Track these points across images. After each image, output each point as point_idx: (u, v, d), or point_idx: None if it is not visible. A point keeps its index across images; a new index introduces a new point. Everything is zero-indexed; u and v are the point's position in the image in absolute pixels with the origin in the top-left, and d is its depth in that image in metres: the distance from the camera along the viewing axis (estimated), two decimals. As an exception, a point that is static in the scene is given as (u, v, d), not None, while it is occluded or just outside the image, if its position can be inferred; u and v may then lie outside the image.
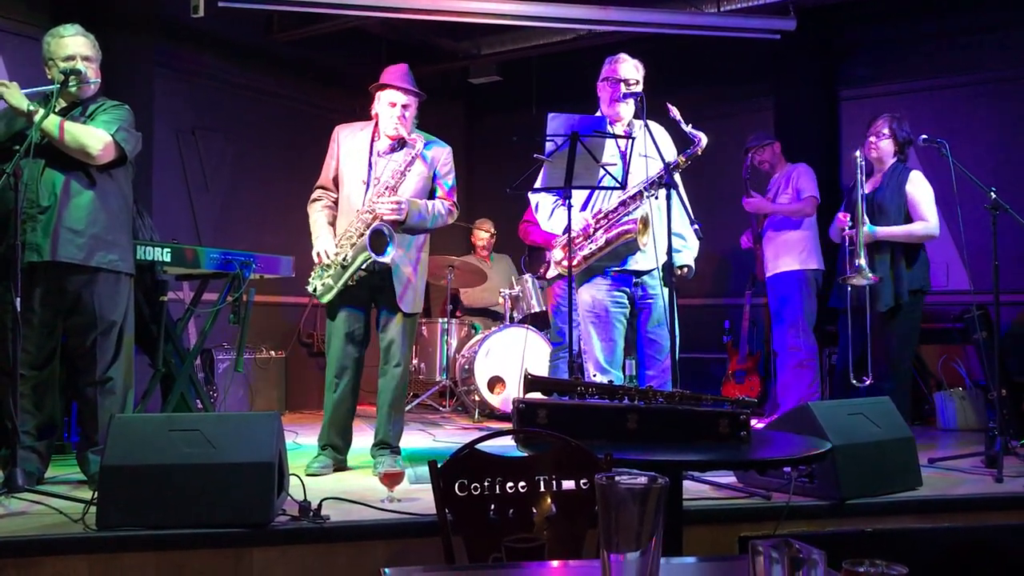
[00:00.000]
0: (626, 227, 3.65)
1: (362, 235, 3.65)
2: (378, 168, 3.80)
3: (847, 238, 4.44)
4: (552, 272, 5.21)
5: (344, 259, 3.69)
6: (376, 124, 3.86)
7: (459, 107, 8.06)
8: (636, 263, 3.72)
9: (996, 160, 5.75)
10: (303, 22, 6.36)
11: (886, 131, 4.53)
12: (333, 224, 3.86)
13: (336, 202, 3.89)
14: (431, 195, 3.89)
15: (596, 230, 3.73)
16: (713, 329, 6.52)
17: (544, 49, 6.87)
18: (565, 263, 3.87)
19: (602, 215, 3.73)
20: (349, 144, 3.86)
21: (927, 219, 4.49)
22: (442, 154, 3.90)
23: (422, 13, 5.70)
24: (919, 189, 4.51)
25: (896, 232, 4.43)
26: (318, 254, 3.77)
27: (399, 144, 3.83)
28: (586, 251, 3.72)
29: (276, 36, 6.59)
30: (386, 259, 3.64)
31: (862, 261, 4.27)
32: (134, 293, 3.64)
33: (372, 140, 3.85)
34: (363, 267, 3.68)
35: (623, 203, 3.70)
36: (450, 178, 3.94)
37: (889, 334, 4.43)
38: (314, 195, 3.93)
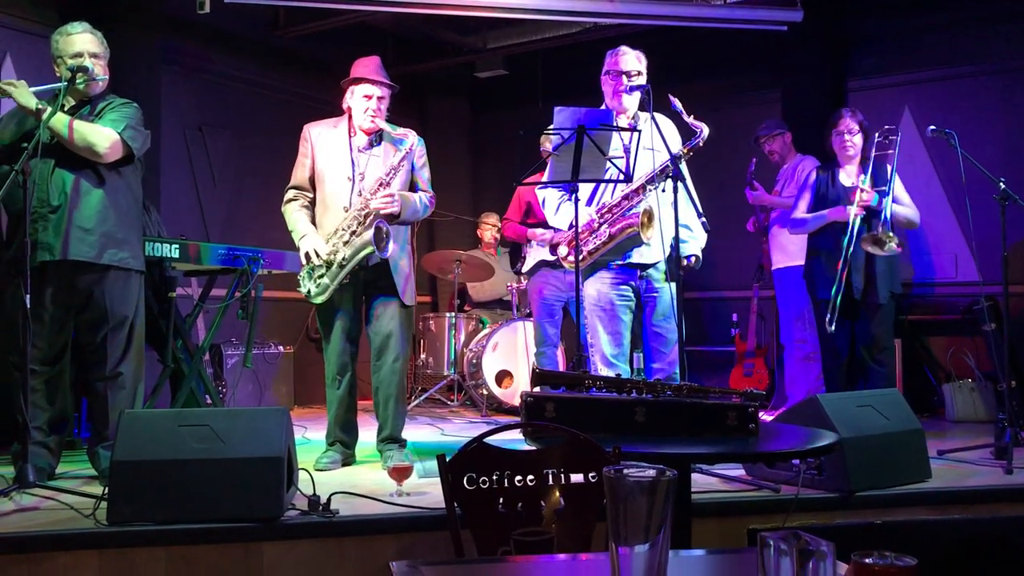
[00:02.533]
0: (629, 221, 3.64)
1: (355, 232, 3.65)
2: (360, 164, 3.79)
3: (858, 198, 4.37)
4: (528, 265, 5.21)
5: (343, 258, 3.67)
6: (350, 119, 3.84)
7: (465, 101, 8.04)
8: (641, 256, 3.71)
9: (1005, 150, 5.72)
10: (309, 18, 6.36)
11: (856, 126, 4.50)
12: (313, 224, 3.83)
13: (312, 202, 3.85)
14: (412, 187, 3.88)
15: (600, 225, 3.72)
16: (721, 322, 6.51)
17: (550, 43, 6.86)
18: (571, 258, 3.87)
19: (606, 209, 3.73)
20: (325, 142, 3.82)
21: (914, 207, 4.50)
22: (417, 147, 3.89)
23: (428, 8, 5.70)
24: (899, 184, 4.51)
25: (901, 212, 4.40)
26: (307, 254, 3.72)
27: (377, 138, 3.83)
28: (591, 246, 3.71)
29: (282, 32, 6.59)
30: (387, 255, 3.65)
31: (888, 232, 4.24)
32: (143, 289, 3.65)
33: (349, 136, 3.83)
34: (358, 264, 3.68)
35: (626, 197, 3.69)
36: (427, 170, 3.93)
37: (881, 321, 4.45)
38: (288, 196, 3.87)
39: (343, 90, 3.86)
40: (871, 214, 4.35)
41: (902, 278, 4.62)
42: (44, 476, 3.25)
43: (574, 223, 3.58)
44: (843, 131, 4.50)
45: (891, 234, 4.25)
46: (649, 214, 3.63)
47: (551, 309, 5.24)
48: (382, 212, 3.65)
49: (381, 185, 3.70)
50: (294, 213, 3.84)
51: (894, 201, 4.40)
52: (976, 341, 5.64)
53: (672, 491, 0.96)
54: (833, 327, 4.33)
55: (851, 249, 4.34)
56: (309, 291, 3.75)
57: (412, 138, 3.76)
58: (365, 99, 3.77)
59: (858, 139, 4.49)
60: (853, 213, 4.33)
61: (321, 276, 3.71)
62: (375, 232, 3.59)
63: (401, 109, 3.90)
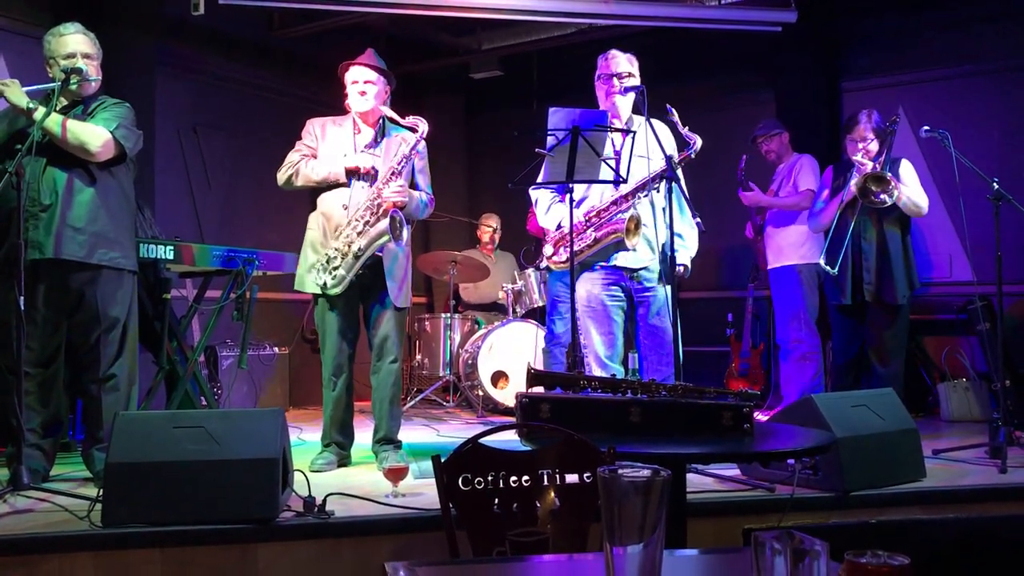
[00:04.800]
0: (615, 227, 3.65)
1: (368, 223, 3.64)
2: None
3: (858, 161, 4.42)
4: (543, 264, 5.24)
5: (358, 249, 3.66)
6: (353, 118, 3.85)
7: (460, 102, 8.05)
8: (626, 260, 3.72)
9: (999, 150, 5.74)
10: (304, 19, 6.36)
11: (871, 134, 4.52)
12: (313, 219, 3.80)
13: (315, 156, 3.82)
14: (411, 187, 3.87)
15: (587, 228, 3.74)
16: (716, 322, 6.51)
17: (545, 43, 6.86)
18: (555, 258, 3.90)
19: (594, 213, 3.74)
20: (329, 138, 3.82)
21: (925, 196, 4.53)
22: (420, 147, 3.89)
23: (423, 9, 5.69)
24: (911, 175, 4.52)
25: (912, 195, 4.42)
26: (358, 166, 3.66)
27: (380, 135, 3.83)
28: (575, 248, 3.74)
29: (277, 33, 6.59)
30: (403, 244, 3.64)
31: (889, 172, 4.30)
32: (137, 291, 3.64)
33: (354, 135, 3.83)
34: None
35: (615, 202, 3.70)
36: (427, 174, 3.94)
37: (893, 323, 4.47)
38: (284, 169, 3.80)
39: (345, 89, 3.87)
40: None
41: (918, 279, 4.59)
42: (38, 478, 3.25)
43: (564, 224, 3.60)
44: (857, 139, 4.52)
45: (893, 177, 4.26)
46: (636, 220, 3.64)
47: (564, 308, 5.25)
48: (394, 203, 3.64)
49: (393, 175, 3.69)
50: (303, 164, 3.75)
51: (900, 181, 4.42)
52: (971, 341, 5.65)
53: (666, 491, 0.96)
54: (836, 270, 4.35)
55: (856, 233, 4.36)
56: (325, 283, 3.70)
57: (423, 126, 3.76)
58: (352, 84, 3.79)
59: (873, 146, 4.51)
60: (856, 184, 4.37)
61: (336, 267, 3.69)
62: (391, 221, 3.58)
63: (396, 110, 3.89)
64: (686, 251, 3.77)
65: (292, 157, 3.83)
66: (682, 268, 3.77)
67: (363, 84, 3.78)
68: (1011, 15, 5.83)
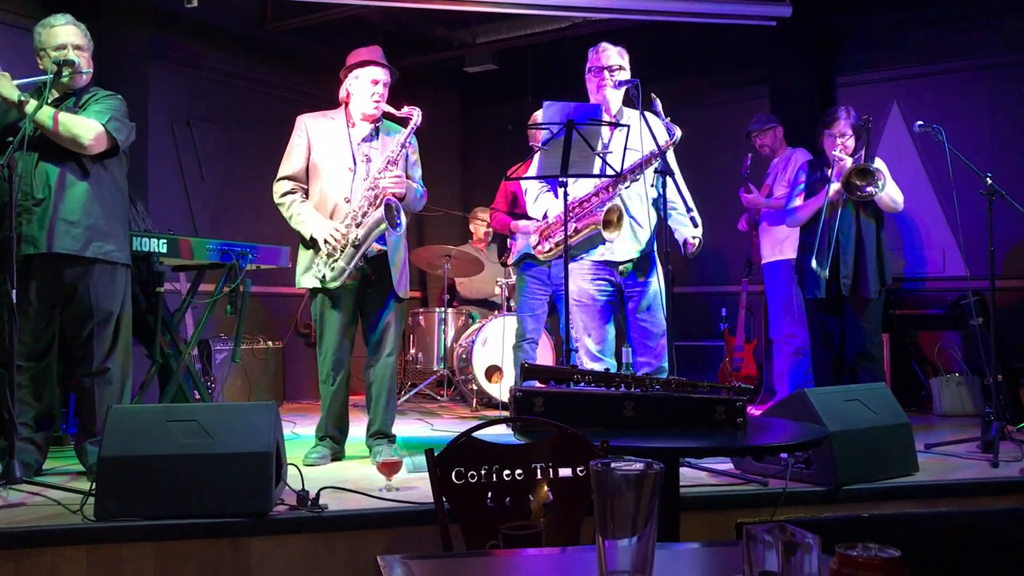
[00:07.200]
0: (593, 218, 3.65)
1: (366, 213, 3.63)
2: (361, 155, 3.76)
3: (836, 156, 4.43)
4: (514, 257, 5.21)
5: (355, 239, 3.65)
6: (347, 110, 3.82)
7: (455, 96, 8.04)
8: (613, 254, 3.71)
9: (993, 146, 5.75)
10: (297, 12, 6.34)
11: (849, 131, 4.52)
12: None
13: (306, 193, 3.79)
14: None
15: (570, 219, 3.73)
16: (710, 316, 6.53)
17: (540, 37, 6.85)
18: (540, 248, 3.91)
19: (577, 203, 3.72)
20: (322, 133, 3.78)
21: (899, 190, 4.53)
22: (409, 144, 3.88)
23: (418, 2, 5.68)
24: (885, 172, 4.53)
25: (891, 191, 4.42)
26: (326, 240, 3.64)
27: (375, 131, 3.82)
28: (557, 238, 3.74)
29: (270, 26, 6.57)
30: (399, 232, 3.63)
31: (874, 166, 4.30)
32: (131, 284, 3.63)
33: (348, 128, 3.80)
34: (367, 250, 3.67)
35: (596, 193, 3.69)
36: (419, 168, 3.92)
37: (871, 316, 4.49)
38: (286, 187, 3.77)
39: (340, 80, 3.82)
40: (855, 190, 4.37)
41: (893, 272, 4.64)
42: (31, 472, 3.24)
43: (550, 214, 3.60)
44: (836, 134, 4.50)
45: (879, 170, 4.27)
46: (618, 212, 3.63)
47: (533, 304, 5.21)
48: (390, 191, 3.63)
49: (389, 163, 3.68)
50: (296, 205, 3.75)
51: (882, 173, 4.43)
52: (964, 335, 5.67)
53: (659, 485, 0.96)
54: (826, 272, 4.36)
55: (836, 228, 4.37)
56: (324, 276, 3.67)
57: (417, 116, 3.73)
58: (372, 84, 3.74)
59: (850, 141, 4.51)
60: (835, 188, 4.37)
61: (336, 260, 3.67)
62: (386, 209, 3.57)
63: (391, 103, 3.87)
64: (690, 226, 3.67)
65: (284, 187, 3.77)
66: (696, 240, 3.69)
67: (383, 86, 3.75)
68: (1005, 11, 5.84)
